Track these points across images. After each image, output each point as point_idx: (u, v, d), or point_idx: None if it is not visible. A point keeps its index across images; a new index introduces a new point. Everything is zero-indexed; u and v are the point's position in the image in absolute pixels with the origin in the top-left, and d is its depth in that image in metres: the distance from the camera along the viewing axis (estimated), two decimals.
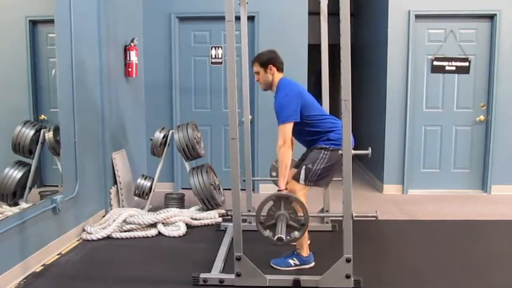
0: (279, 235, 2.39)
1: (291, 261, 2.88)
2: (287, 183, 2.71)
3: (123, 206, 4.09)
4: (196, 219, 3.82)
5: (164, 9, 4.88)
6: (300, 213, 2.51)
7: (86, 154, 3.56)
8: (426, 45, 4.85)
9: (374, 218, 2.60)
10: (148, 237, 3.50)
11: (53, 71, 3.15)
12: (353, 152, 2.48)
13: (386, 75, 4.85)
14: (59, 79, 3.18)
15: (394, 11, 4.78)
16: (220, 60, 4.95)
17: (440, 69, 4.86)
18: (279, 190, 2.66)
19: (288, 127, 2.70)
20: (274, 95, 2.89)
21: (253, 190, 4.53)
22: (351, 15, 2.37)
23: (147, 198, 4.10)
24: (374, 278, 2.72)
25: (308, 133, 2.84)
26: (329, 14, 3.51)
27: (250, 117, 3.65)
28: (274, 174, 3.65)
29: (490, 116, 4.84)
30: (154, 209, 4.02)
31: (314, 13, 4.11)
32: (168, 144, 4.18)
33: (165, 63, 4.95)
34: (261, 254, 2.94)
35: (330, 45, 3.52)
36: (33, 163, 2.95)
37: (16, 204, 2.79)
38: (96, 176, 3.81)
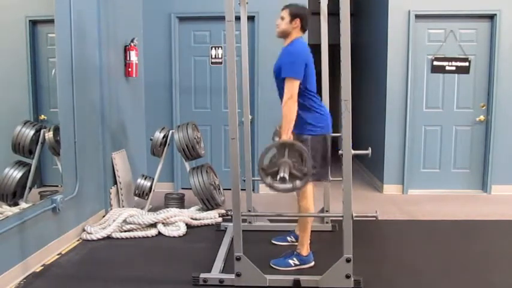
0: (282, 174, 2.34)
1: (290, 261, 2.88)
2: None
3: (123, 206, 4.09)
4: (196, 219, 3.82)
5: (164, 9, 4.88)
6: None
7: (86, 154, 3.56)
8: (426, 45, 4.85)
9: (374, 218, 2.60)
10: (148, 237, 3.50)
11: (53, 71, 3.15)
12: (353, 152, 2.48)
13: (386, 75, 4.85)
14: (59, 79, 3.18)
15: (394, 11, 4.78)
16: (220, 60, 4.95)
17: (440, 69, 4.86)
18: None
19: (296, 83, 2.66)
20: (284, 48, 2.85)
21: (253, 190, 4.53)
22: (351, 15, 2.37)
23: (147, 198, 4.10)
24: (374, 278, 2.72)
25: None
26: (329, 14, 3.51)
27: (250, 117, 3.64)
28: (277, 139, 3.61)
29: (490, 116, 4.84)
30: (154, 209, 4.02)
31: (314, 13, 4.10)
32: (168, 144, 4.18)
33: (165, 63, 4.95)
34: (261, 254, 2.94)
35: (330, 45, 3.52)
36: (33, 163, 2.95)
37: (16, 204, 2.79)
38: (96, 176, 3.81)
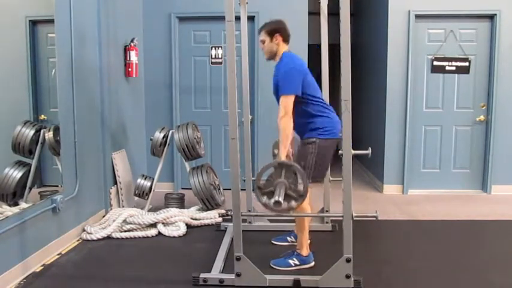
0: (277, 199, 2.36)
1: (290, 261, 2.88)
2: (287, 155, 2.69)
3: (123, 206, 4.09)
4: (196, 219, 3.82)
5: (164, 9, 4.88)
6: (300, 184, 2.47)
7: (86, 154, 3.56)
8: (426, 45, 4.85)
9: (374, 218, 2.60)
10: (148, 237, 3.50)
11: (53, 71, 3.15)
12: (353, 152, 2.48)
13: (386, 75, 4.85)
14: (59, 79, 3.18)
15: (394, 11, 4.78)
16: (220, 60, 4.95)
17: (440, 69, 4.86)
18: None
19: (290, 99, 2.67)
20: (276, 66, 2.87)
21: (253, 190, 4.51)
22: (351, 15, 2.37)
23: (147, 198, 4.10)
24: (374, 278, 2.72)
25: (300, 113, 2.78)
26: (329, 14, 3.51)
27: (250, 117, 3.64)
28: (276, 151, 3.62)
29: (490, 116, 4.84)
30: (154, 209, 4.02)
31: (314, 13, 4.11)
32: (168, 144, 4.18)
33: (165, 63, 4.95)
34: (261, 254, 2.94)
35: (330, 45, 3.52)
36: (33, 163, 2.95)
37: (16, 204, 2.79)
38: (96, 176, 3.81)
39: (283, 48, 2.89)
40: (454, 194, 4.88)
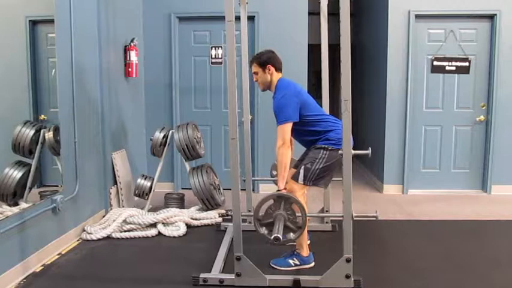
0: (276, 235, 2.39)
1: (290, 261, 2.88)
2: (286, 183, 2.71)
3: (123, 206, 4.09)
4: (196, 219, 3.82)
5: (164, 9, 4.88)
6: (298, 214, 2.51)
7: (86, 154, 3.56)
8: (426, 45, 4.85)
9: (374, 218, 2.61)
10: (148, 237, 3.50)
11: (53, 71, 3.15)
12: (353, 152, 2.48)
13: (386, 75, 4.85)
14: (59, 79, 3.18)
15: (394, 11, 4.78)
16: (220, 60, 4.95)
17: (440, 69, 4.86)
18: (278, 190, 2.66)
19: (287, 127, 2.70)
20: (273, 96, 2.89)
21: (253, 190, 4.53)
22: (351, 15, 2.37)
23: (147, 198, 4.10)
24: (374, 278, 2.72)
25: (307, 133, 2.83)
26: (329, 14, 3.51)
27: (250, 117, 3.65)
28: (275, 173, 3.64)
29: (490, 116, 4.84)
30: (154, 209, 4.02)
31: (314, 13, 4.11)
32: (168, 144, 4.18)
33: (165, 63, 4.95)
34: (261, 254, 2.94)
35: (330, 45, 3.52)
36: (33, 163, 2.95)
37: (16, 204, 2.79)
38: (96, 176, 3.81)
39: (277, 77, 2.90)
40: (454, 194, 4.88)
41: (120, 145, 4.28)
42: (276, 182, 3.10)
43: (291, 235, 2.53)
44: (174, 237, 3.51)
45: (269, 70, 2.87)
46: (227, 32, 2.47)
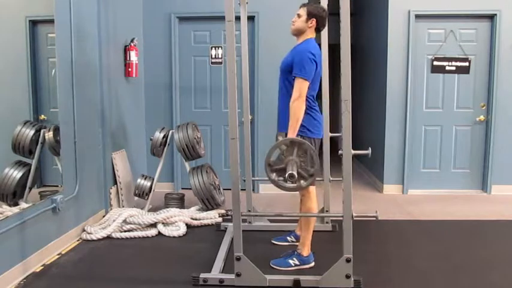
0: (291, 172, 2.35)
1: (290, 261, 2.88)
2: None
3: (123, 206, 4.10)
4: (196, 219, 3.82)
5: (164, 9, 4.88)
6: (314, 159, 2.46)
7: (86, 154, 3.56)
8: (426, 45, 4.85)
9: (374, 218, 2.60)
10: (148, 237, 3.50)
11: (53, 71, 3.15)
12: (353, 152, 2.48)
13: (386, 75, 4.85)
14: (59, 79, 3.18)
15: (394, 11, 4.78)
16: (220, 60, 4.95)
17: (440, 69, 4.86)
18: None
19: (305, 84, 2.67)
20: (296, 46, 2.85)
21: (253, 190, 4.53)
22: (351, 15, 2.37)
23: (147, 198, 4.10)
24: (374, 278, 2.72)
25: (288, 97, 2.76)
26: (329, 14, 3.50)
27: (250, 117, 3.64)
28: (280, 138, 3.60)
29: (490, 116, 4.84)
30: (154, 209, 4.02)
31: None
32: (168, 144, 4.18)
33: (165, 63, 4.95)
34: (261, 254, 2.94)
35: (330, 45, 3.52)
36: (33, 163, 2.95)
37: (16, 204, 2.79)
38: (96, 176, 3.81)
39: (311, 34, 2.87)
40: (454, 194, 4.88)
41: (120, 145, 4.28)
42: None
43: (302, 182, 2.47)
44: (174, 237, 3.51)
45: (311, 23, 2.84)
46: (227, 32, 2.47)
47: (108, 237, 3.45)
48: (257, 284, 2.59)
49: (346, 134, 2.42)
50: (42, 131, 3.01)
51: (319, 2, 3.00)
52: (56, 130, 3.15)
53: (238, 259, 2.59)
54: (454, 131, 4.95)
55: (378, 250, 3.26)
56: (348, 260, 2.50)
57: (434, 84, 4.89)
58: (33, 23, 2.95)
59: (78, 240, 3.41)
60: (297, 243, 3.02)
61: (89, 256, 3.13)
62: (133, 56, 4.35)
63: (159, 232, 3.57)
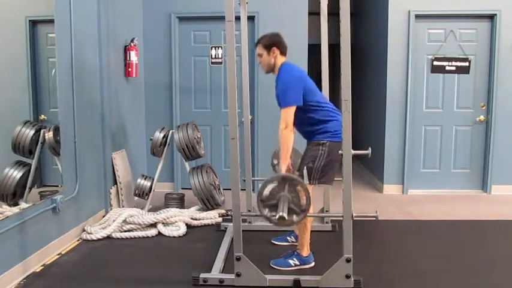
0: (282, 214, 2.35)
1: (290, 261, 2.88)
2: (288, 168, 2.69)
3: (123, 206, 4.09)
4: (196, 219, 3.82)
5: (164, 9, 4.88)
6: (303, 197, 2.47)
7: (86, 154, 3.56)
8: (426, 45, 4.85)
9: (374, 218, 2.60)
10: (148, 237, 3.50)
11: (53, 71, 3.15)
12: (353, 152, 2.48)
13: (387, 75, 4.85)
14: (59, 79, 3.18)
15: (394, 11, 4.79)
16: (220, 60, 4.95)
17: (440, 69, 4.86)
18: None
19: (290, 111, 2.68)
20: (276, 78, 2.86)
21: (253, 190, 4.52)
22: (351, 15, 2.37)
23: (147, 198, 4.10)
24: (374, 278, 2.72)
25: (307, 120, 2.80)
26: (329, 14, 3.51)
27: (250, 117, 3.65)
28: (275, 162, 3.62)
29: (490, 116, 4.84)
30: (154, 209, 4.02)
31: (314, 13, 4.10)
32: (168, 144, 4.18)
33: (165, 63, 4.95)
34: (261, 254, 2.94)
35: (330, 45, 3.52)
36: (33, 163, 2.95)
37: (16, 204, 2.79)
38: (96, 176, 3.81)
39: (281, 60, 2.88)
40: (454, 194, 4.88)
41: (120, 145, 4.28)
42: (275, 169, 3.06)
43: (295, 218, 2.48)
44: (174, 237, 3.51)
45: (273, 53, 2.84)
46: (227, 32, 2.47)
47: (108, 237, 3.45)
48: (257, 284, 2.59)
49: (346, 134, 2.42)
50: (42, 131, 3.01)
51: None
52: (56, 130, 3.15)
53: (238, 259, 2.59)
54: (454, 131, 4.95)
55: (378, 250, 3.26)
56: (348, 260, 2.50)
57: (434, 84, 4.89)
58: (33, 23, 2.95)
59: (78, 240, 3.41)
60: (297, 243, 3.01)
61: (89, 256, 3.13)
62: (133, 56, 4.35)
63: (159, 232, 3.57)
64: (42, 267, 2.90)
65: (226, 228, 3.64)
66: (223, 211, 4.03)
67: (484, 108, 4.89)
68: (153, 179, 4.16)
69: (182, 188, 4.96)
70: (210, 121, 5.03)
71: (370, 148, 2.63)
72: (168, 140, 4.17)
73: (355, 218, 2.51)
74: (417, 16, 4.78)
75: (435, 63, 4.85)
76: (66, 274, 2.83)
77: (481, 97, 4.89)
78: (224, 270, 2.82)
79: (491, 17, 4.77)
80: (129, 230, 3.55)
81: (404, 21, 4.78)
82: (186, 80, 5.01)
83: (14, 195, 2.78)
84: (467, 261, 3.04)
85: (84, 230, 3.49)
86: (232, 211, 2.62)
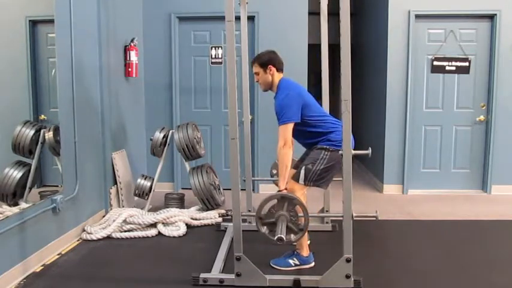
0: (280, 235, 2.39)
1: (291, 261, 2.88)
2: (287, 183, 2.71)
3: (123, 206, 4.09)
4: (196, 219, 3.82)
5: (164, 9, 4.88)
6: (301, 214, 2.51)
7: (86, 154, 3.56)
8: (426, 45, 4.85)
9: (374, 218, 2.60)
10: (148, 237, 3.50)
11: (53, 71, 3.15)
12: (353, 152, 2.48)
13: (387, 75, 4.85)
14: (59, 79, 3.18)
15: (394, 11, 4.78)
16: (220, 60, 4.95)
17: (440, 69, 4.86)
18: (279, 190, 2.66)
19: (289, 128, 2.69)
20: (275, 96, 2.89)
21: (253, 190, 4.53)
22: (351, 15, 2.37)
23: (147, 198, 4.10)
24: (374, 278, 2.72)
25: (309, 134, 2.83)
26: (329, 14, 3.51)
27: (250, 117, 3.65)
28: (274, 171, 3.64)
29: (490, 116, 4.84)
30: (154, 209, 4.02)
31: (314, 13, 4.11)
32: (168, 144, 4.18)
33: (165, 63, 4.95)
34: (261, 254, 2.94)
35: (330, 45, 3.52)
36: (33, 163, 2.95)
37: (16, 204, 2.79)
38: (96, 176, 3.81)
39: (278, 77, 2.89)
40: (454, 194, 4.88)
41: (120, 145, 4.28)
42: (275, 182, 3.09)
43: (292, 237, 2.53)
44: (174, 237, 3.51)
45: (270, 70, 2.86)
46: (227, 32, 2.47)
47: (108, 237, 3.45)
48: (257, 284, 2.59)
49: (346, 134, 2.42)
50: (42, 131, 3.01)
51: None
52: (56, 130, 3.15)
53: (238, 259, 2.59)
54: (454, 131, 4.95)
55: (378, 250, 3.26)
56: (348, 260, 2.50)
57: (434, 84, 4.89)
58: (33, 23, 2.95)
59: (78, 240, 3.41)
60: (296, 244, 3.01)
61: (89, 256, 3.13)
62: (133, 56, 4.35)
63: (159, 232, 3.57)
64: (42, 267, 2.90)
65: (226, 228, 3.63)
66: (223, 211, 4.03)
67: (484, 108, 4.89)
68: (153, 179, 4.16)
69: (182, 188, 4.96)
70: (210, 121, 5.03)
71: (370, 148, 2.63)
72: (168, 140, 4.17)
73: (355, 218, 2.51)
74: (417, 16, 4.77)
75: (435, 63, 4.85)
76: (66, 274, 2.83)
77: (481, 97, 4.89)
78: (224, 270, 2.82)
79: (491, 17, 4.77)
80: (129, 230, 3.55)
81: (404, 21, 4.78)
82: (186, 80, 5.01)
83: (14, 195, 2.78)
84: (467, 261, 3.04)
85: (84, 230, 3.49)
86: (232, 211, 2.62)
